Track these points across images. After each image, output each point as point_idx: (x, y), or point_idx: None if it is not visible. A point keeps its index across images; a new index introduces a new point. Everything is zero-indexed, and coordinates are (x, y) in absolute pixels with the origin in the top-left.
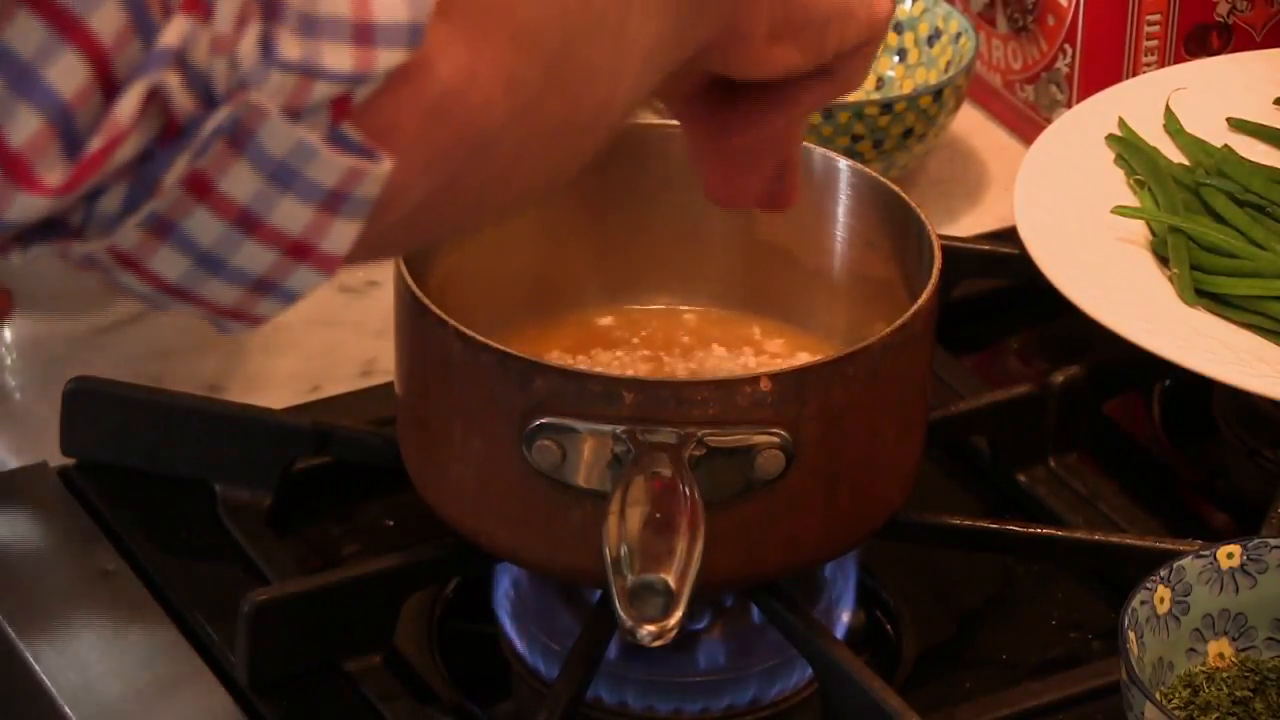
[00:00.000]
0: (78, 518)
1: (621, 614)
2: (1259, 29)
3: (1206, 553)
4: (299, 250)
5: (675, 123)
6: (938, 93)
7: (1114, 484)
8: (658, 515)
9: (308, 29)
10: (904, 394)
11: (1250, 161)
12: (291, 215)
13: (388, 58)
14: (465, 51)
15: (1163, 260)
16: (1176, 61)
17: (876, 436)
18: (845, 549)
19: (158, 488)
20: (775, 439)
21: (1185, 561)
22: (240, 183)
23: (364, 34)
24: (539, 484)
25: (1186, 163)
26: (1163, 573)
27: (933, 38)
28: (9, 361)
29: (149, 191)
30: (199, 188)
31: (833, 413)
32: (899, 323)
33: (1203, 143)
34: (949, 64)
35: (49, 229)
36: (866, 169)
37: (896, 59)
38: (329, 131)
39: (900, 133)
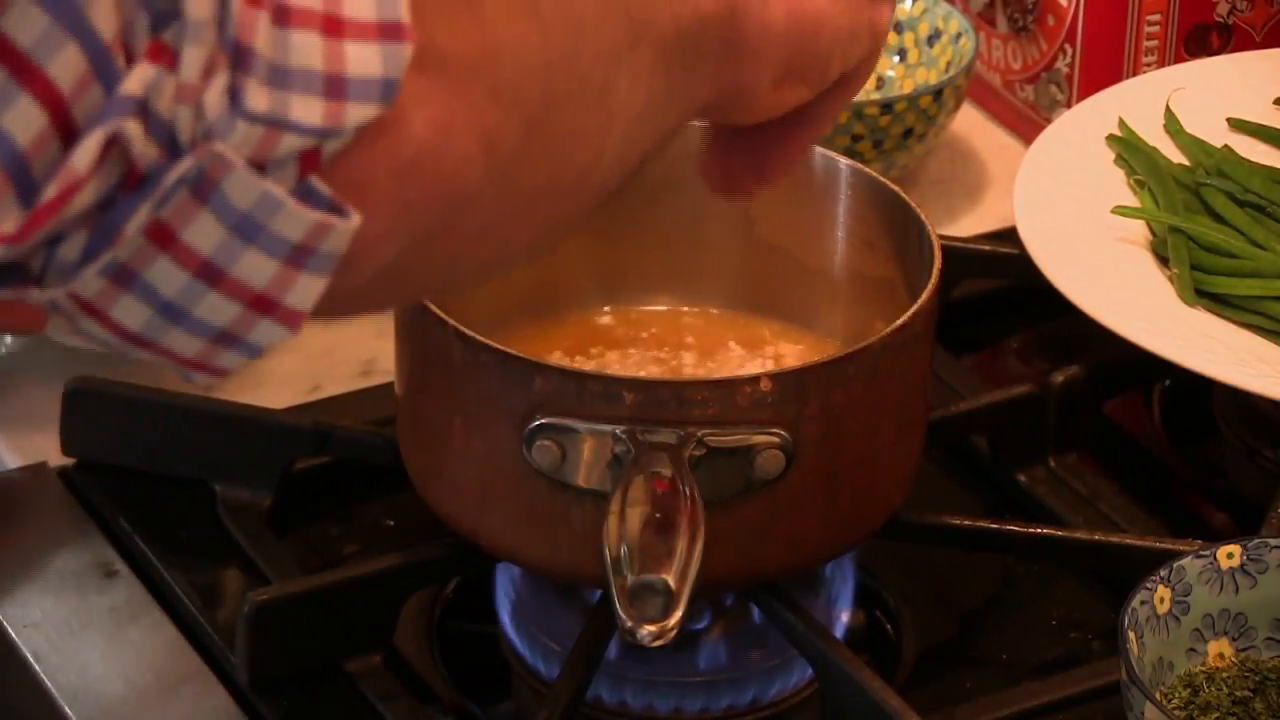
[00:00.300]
0: (78, 518)
1: (621, 614)
2: (1259, 29)
3: (1206, 553)
4: (262, 304)
5: None
6: (938, 93)
7: (1114, 484)
8: (658, 515)
9: (277, 80)
10: (904, 394)
11: (1250, 161)
12: (255, 268)
13: (359, 112)
14: (442, 106)
15: (1163, 260)
16: (1176, 61)
17: (876, 436)
18: (845, 549)
19: (158, 488)
20: (775, 439)
21: (1185, 561)
22: (203, 234)
23: (335, 87)
24: (539, 484)
25: (1186, 163)
26: (1163, 573)
27: (933, 38)
28: (9, 362)
29: (109, 239)
30: (161, 237)
31: (833, 413)
32: (899, 323)
33: (1203, 143)
34: (949, 64)
35: (7, 274)
36: (866, 169)
37: (896, 59)
38: (296, 184)
39: (900, 133)
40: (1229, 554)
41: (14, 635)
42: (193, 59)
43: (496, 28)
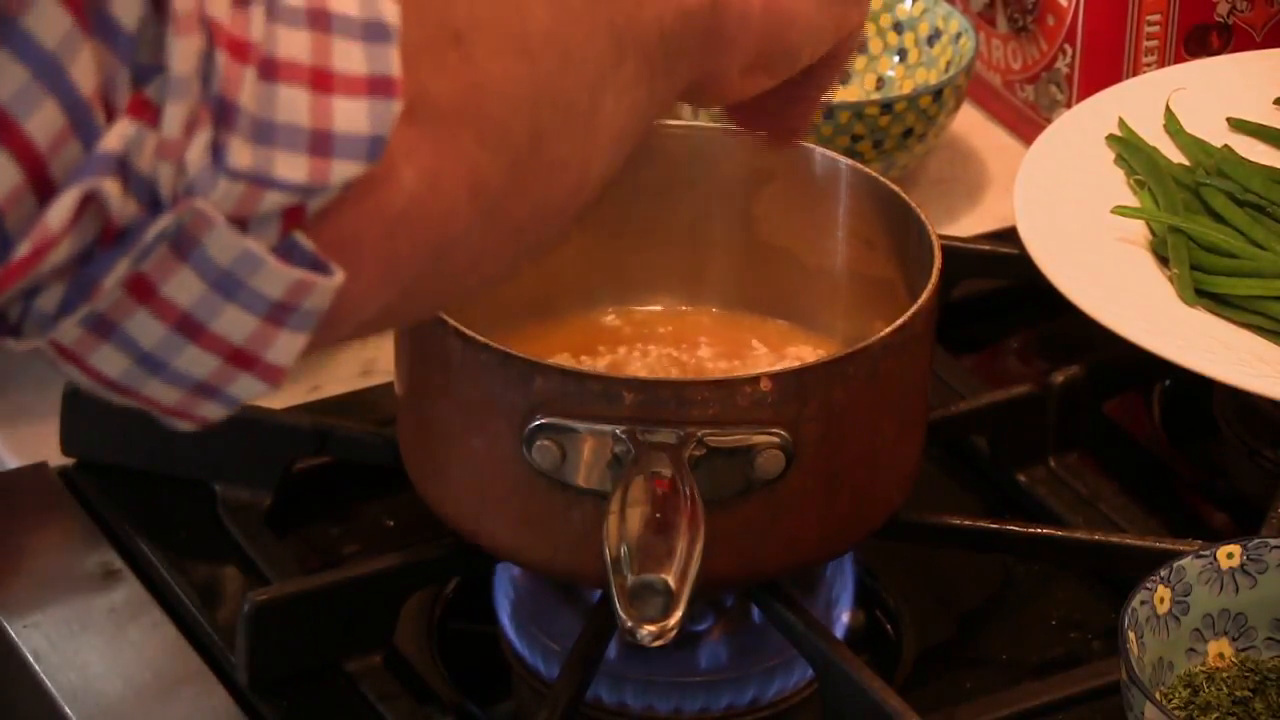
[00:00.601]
0: (78, 518)
1: (621, 614)
2: (1259, 29)
3: (1206, 553)
4: (241, 359)
5: (675, 123)
6: (938, 93)
7: (1114, 484)
8: (658, 515)
9: (261, 135)
10: (904, 394)
11: (1250, 161)
12: (235, 324)
13: (344, 169)
14: (430, 156)
15: (1163, 260)
16: (1176, 61)
17: (876, 436)
18: (845, 548)
19: (158, 488)
20: (775, 439)
21: (1185, 561)
22: (183, 288)
23: (321, 143)
24: (539, 484)
25: (1186, 163)
26: (1163, 573)
27: (933, 38)
28: (9, 361)
29: (87, 292)
30: (140, 291)
31: (833, 413)
32: (899, 323)
33: (1203, 143)
34: (949, 64)
35: None
36: (866, 169)
37: (896, 59)
38: (279, 241)
39: (900, 133)
40: (1229, 554)
41: (14, 635)
42: (175, 114)
43: (485, 66)
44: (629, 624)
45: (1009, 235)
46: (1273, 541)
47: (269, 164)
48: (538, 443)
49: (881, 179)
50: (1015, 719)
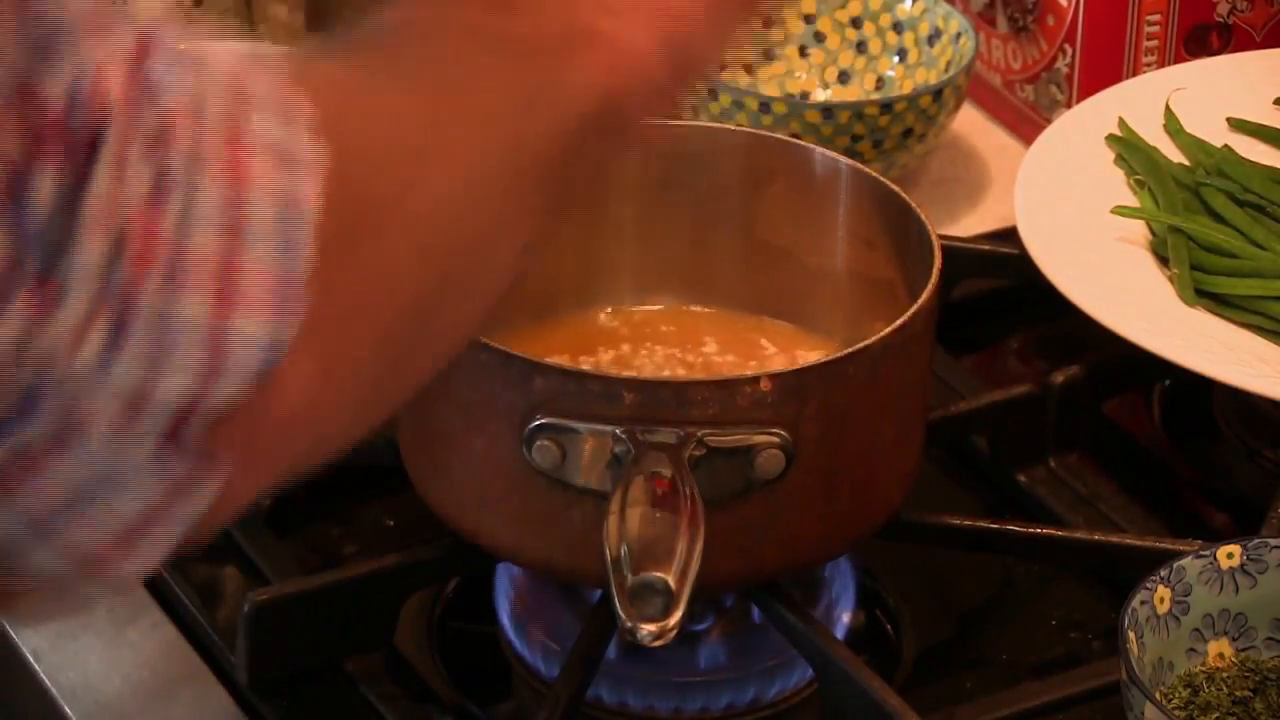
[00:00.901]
0: None
1: (621, 614)
2: (1259, 29)
3: (1206, 553)
4: (113, 553)
5: (676, 123)
6: (938, 93)
7: (1114, 484)
8: (658, 515)
9: (156, 340)
10: (904, 394)
11: (1250, 161)
12: (109, 520)
13: (235, 381)
14: (321, 360)
15: (1163, 260)
16: (1176, 61)
17: (876, 436)
18: (845, 548)
19: None
20: (775, 439)
21: (1185, 561)
22: (58, 482)
23: (216, 354)
24: (539, 484)
25: (1186, 163)
26: (1163, 573)
27: (933, 38)
28: None
29: None
30: (12, 479)
31: (833, 413)
32: (899, 323)
33: (1203, 143)
34: (949, 64)
35: None
36: (866, 169)
37: (896, 59)
38: (161, 444)
39: (900, 133)
40: (1229, 554)
41: (14, 635)
42: (72, 310)
43: (387, 258)
44: (629, 624)
45: (1009, 235)
46: (1273, 541)
47: (160, 370)
48: (538, 443)
49: (881, 179)
50: (1015, 719)
